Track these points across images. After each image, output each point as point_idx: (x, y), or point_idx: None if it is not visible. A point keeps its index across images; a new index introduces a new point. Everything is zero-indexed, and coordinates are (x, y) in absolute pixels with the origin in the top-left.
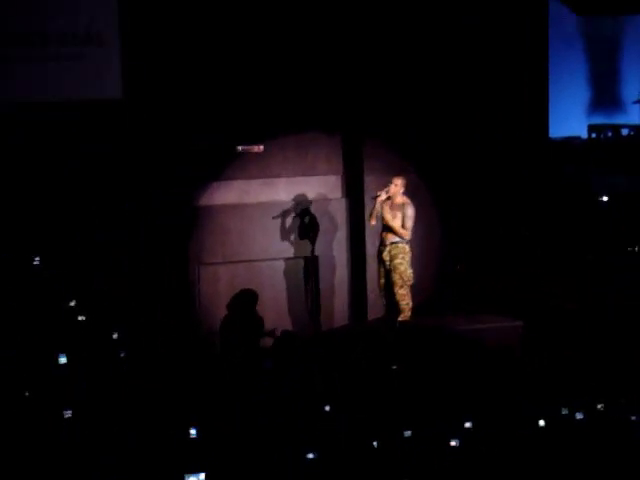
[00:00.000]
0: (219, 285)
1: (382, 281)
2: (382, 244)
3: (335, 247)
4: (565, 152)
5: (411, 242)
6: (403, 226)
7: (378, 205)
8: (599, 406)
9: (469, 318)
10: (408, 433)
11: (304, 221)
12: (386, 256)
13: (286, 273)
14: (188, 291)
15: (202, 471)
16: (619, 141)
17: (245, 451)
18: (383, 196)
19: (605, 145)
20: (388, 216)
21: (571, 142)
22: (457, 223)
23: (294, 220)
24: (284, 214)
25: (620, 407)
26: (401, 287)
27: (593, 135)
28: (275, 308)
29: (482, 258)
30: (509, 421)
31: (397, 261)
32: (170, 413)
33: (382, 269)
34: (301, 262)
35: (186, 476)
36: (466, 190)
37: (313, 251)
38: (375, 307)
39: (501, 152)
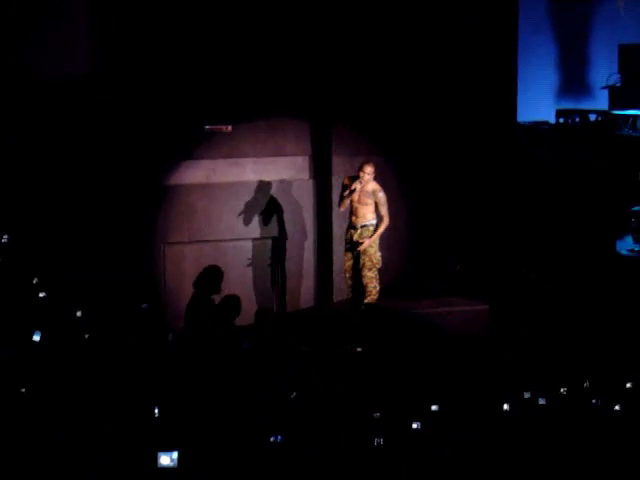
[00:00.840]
0: (185, 265)
1: (350, 263)
2: (352, 227)
3: (302, 228)
4: (533, 136)
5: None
6: (378, 212)
7: (350, 196)
8: (562, 390)
9: (435, 301)
10: (375, 415)
11: (271, 201)
12: (356, 238)
13: (253, 253)
14: (153, 270)
15: (175, 449)
16: (586, 126)
17: (218, 431)
18: (358, 187)
19: (573, 130)
20: (359, 201)
21: (539, 126)
22: (424, 206)
23: (261, 200)
24: (252, 194)
25: (583, 391)
26: (370, 270)
27: (561, 120)
28: (241, 288)
29: (451, 242)
30: (474, 404)
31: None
32: (136, 393)
33: (350, 251)
34: (268, 243)
35: (159, 454)
36: (433, 173)
37: (280, 232)
38: (341, 289)
39: (469, 135)
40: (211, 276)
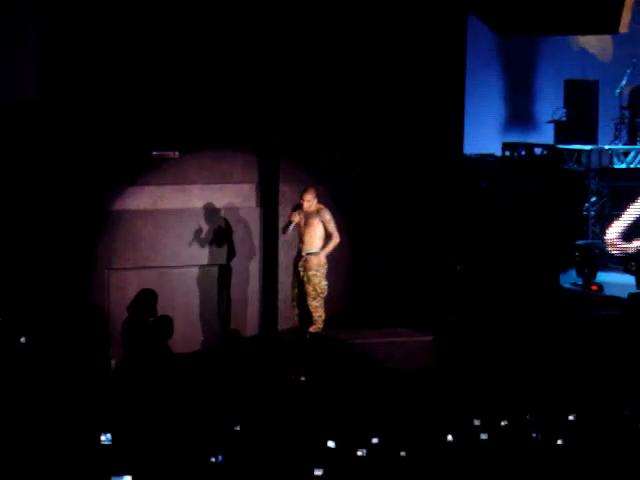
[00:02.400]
0: (128, 291)
1: (295, 292)
2: (299, 255)
3: (248, 256)
4: (479, 168)
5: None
6: (327, 231)
7: (294, 224)
8: (503, 423)
9: (380, 331)
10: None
11: (217, 229)
12: (301, 267)
13: (198, 281)
14: (97, 296)
15: (127, 474)
16: (532, 159)
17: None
18: (296, 219)
19: (518, 163)
20: (305, 226)
21: (485, 159)
22: (368, 236)
23: (207, 228)
24: (198, 221)
25: (524, 423)
26: (314, 299)
27: (507, 153)
28: (186, 316)
29: (397, 270)
30: (416, 436)
31: (311, 272)
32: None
33: (296, 280)
34: (213, 270)
35: (112, 478)
36: (379, 203)
37: (226, 259)
38: (286, 317)
39: (416, 166)
40: (150, 298)
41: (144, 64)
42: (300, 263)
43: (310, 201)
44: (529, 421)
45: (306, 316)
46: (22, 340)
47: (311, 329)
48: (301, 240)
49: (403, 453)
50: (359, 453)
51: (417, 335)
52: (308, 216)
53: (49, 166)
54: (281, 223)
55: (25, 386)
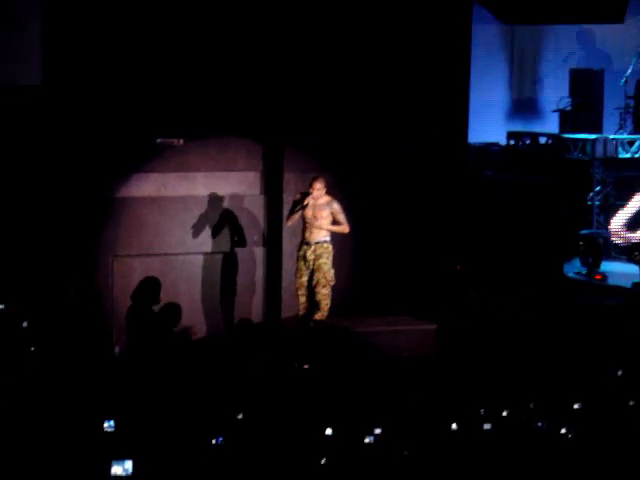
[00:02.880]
0: (133, 278)
1: (303, 280)
2: (306, 243)
3: (252, 244)
4: (483, 158)
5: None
6: (337, 222)
7: (300, 212)
8: (504, 413)
9: (383, 319)
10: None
11: (221, 217)
12: (310, 255)
13: (202, 268)
14: (101, 282)
15: (129, 459)
16: (536, 149)
17: (169, 441)
18: (311, 202)
19: (522, 152)
20: (313, 216)
21: (489, 148)
22: (373, 224)
23: (212, 215)
24: (202, 209)
25: (528, 412)
26: (324, 287)
27: (511, 142)
28: (190, 303)
29: (401, 259)
30: (419, 424)
31: (322, 260)
32: (85, 405)
33: (304, 268)
34: (217, 257)
35: (113, 463)
36: (383, 192)
37: (230, 247)
38: (290, 305)
39: (420, 155)
40: (150, 287)
41: (149, 51)
42: (309, 251)
43: (320, 190)
44: (533, 410)
45: (314, 304)
46: (24, 325)
47: (316, 317)
48: (308, 230)
49: (405, 451)
50: (366, 440)
51: (420, 324)
52: (316, 207)
53: (53, 153)
54: (285, 211)
55: (28, 374)
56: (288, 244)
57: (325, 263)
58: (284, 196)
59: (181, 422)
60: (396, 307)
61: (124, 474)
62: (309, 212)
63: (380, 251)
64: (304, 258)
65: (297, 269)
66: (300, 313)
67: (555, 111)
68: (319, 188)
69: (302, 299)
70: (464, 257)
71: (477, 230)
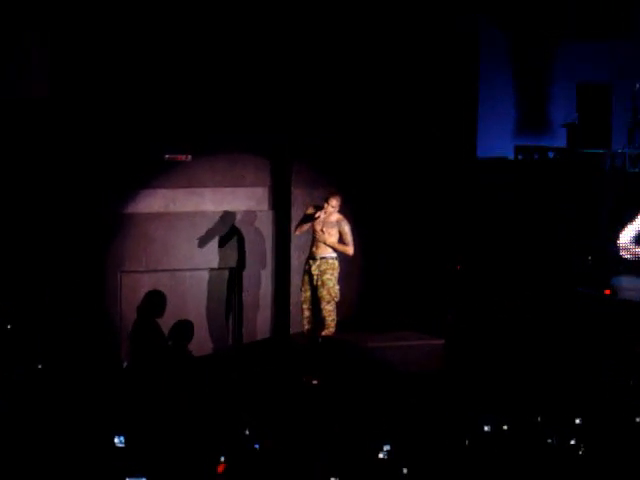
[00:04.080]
0: (141, 293)
1: (307, 295)
2: (312, 258)
3: (260, 259)
4: (492, 172)
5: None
6: (344, 242)
7: (310, 223)
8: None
9: (391, 335)
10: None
11: (229, 232)
12: (315, 270)
13: (210, 284)
14: (109, 298)
15: (143, 475)
16: (545, 163)
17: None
18: (322, 216)
19: (531, 166)
20: (322, 233)
21: (498, 162)
22: (381, 240)
23: (220, 231)
24: (210, 224)
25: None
26: (328, 302)
27: (520, 156)
28: (197, 319)
29: (408, 274)
30: (428, 440)
31: (326, 276)
32: (96, 422)
33: (309, 283)
34: (225, 273)
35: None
36: (391, 207)
37: (238, 263)
38: (298, 321)
39: (429, 170)
40: (157, 302)
41: (157, 67)
42: (314, 267)
43: (335, 207)
44: (540, 424)
45: (317, 320)
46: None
47: (324, 333)
48: (315, 244)
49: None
50: (380, 455)
51: (428, 339)
52: (327, 223)
53: (61, 168)
54: (293, 227)
55: (33, 388)
56: (296, 260)
57: (329, 279)
58: (292, 211)
59: (190, 438)
60: (403, 321)
61: None
62: (318, 226)
63: (387, 267)
64: (309, 273)
65: (302, 283)
66: (305, 327)
67: (563, 126)
68: (334, 205)
69: (306, 313)
70: (462, 265)
71: (485, 242)
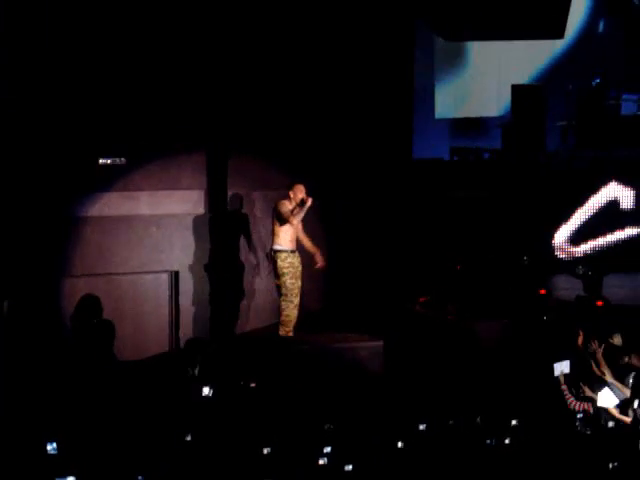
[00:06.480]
0: (76, 298)
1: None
2: (292, 251)
3: (197, 262)
4: (427, 173)
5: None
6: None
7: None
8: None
9: (332, 335)
10: (267, 450)
11: (166, 235)
12: (299, 264)
13: (147, 287)
14: (45, 303)
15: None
16: (480, 164)
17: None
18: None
19: (467, 167)
20: (297, 226)
21: (433, 163)
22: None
23: (156, 234)
24: (146, 228)
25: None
26: (282, 297)
27: (455, 158)
28: (134, 323)
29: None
30: (367, 442)
31: (282, 271)
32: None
33: (297, 278)
34: (163, 277)
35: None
36: (330, 208)
37: (175, 266)
38: (237, 323)
39: (367, 170)
40: (91, 306)
41: (91, 70)
42: (297, 260)
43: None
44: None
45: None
46: None
47: (280, 332)
48: (291, 238)
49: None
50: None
51: (368, 339)
52: (298, 217)
53: None
54: (230, 228)
55: None
56: (232, 263)
57: (283, 274)
58: (229, 213)
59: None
60: (348, 324)
61: None
62: (296, 220)
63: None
64: (295, 266)
65: (293, 279)
66: (293, 323)
67: (498, 127)
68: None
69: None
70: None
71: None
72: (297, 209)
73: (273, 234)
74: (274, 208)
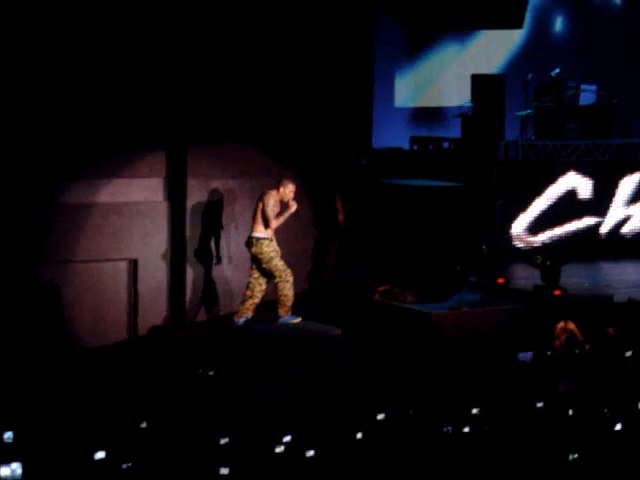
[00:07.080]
0: (37, 285)
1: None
2: (272, 239)
3: (156, 250)
4: (387, 162)
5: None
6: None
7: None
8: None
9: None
10: (225, 440)
11: (125, 223)
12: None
13: (106, 275)
14: (8, 290)
15: (16, 461)
16: (439, 153)
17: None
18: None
19: (426, 157)
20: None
21: (393, 153)
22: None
23: (115, 222)
24: (106, 215)
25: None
26: (277, 280)
27: (415, 147)
28: (93, 310)
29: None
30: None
31: (270, 255)
32: None
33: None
34: (122, 264)
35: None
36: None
37: (134, 253)
38: (194, 311)
39: (326, 159)
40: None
41: (53, 57)
42: (276, 245)
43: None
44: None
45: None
46: None
47: (280, 312)
48: (271, 227)
49: (311, 452)
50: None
51: (326, 329)
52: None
53: None
54: (188, 217)
55: None
56: (191, 250)
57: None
58: (187, 202)
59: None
60: (307, 313)
61: (13, 476)
62: (275, 223)
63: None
64: (278, 250)
65: (283, 263)
66: (292, 302)
67: (457, 116)
68: (292, 190)
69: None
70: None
71: (380, 234)
72: (280, 216)
73: (255, 222)
74: (260, 197)
